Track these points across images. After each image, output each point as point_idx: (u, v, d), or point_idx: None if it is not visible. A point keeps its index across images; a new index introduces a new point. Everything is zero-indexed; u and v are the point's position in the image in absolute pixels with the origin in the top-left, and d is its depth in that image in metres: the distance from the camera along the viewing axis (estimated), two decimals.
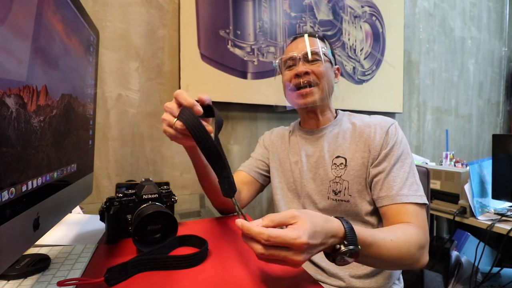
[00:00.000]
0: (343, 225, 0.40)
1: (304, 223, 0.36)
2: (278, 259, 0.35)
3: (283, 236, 0.34)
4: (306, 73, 0.73)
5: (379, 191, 0.64)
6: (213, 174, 0.64)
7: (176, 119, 0.47)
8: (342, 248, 0.38)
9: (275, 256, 0.35)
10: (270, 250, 0.35)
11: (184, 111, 0.46)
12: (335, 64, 0.81)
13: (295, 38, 0.80)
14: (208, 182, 0.67)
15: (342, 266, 0.66)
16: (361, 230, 0.42)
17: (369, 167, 0.67)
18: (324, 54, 0.74)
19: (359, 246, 0.39)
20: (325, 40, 0.80)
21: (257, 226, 0.36)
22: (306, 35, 0.78)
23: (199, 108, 0.47)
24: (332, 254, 0.40)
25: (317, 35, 0.79)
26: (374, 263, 0.50)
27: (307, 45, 0.75)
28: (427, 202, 0.61)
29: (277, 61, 0.82)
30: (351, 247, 0.38)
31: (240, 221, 0.37)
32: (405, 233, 0.53)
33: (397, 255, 0.48)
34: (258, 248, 0.35)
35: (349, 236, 0.39)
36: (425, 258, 0.54)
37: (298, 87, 0.74)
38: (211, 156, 0.45)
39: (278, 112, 1.28)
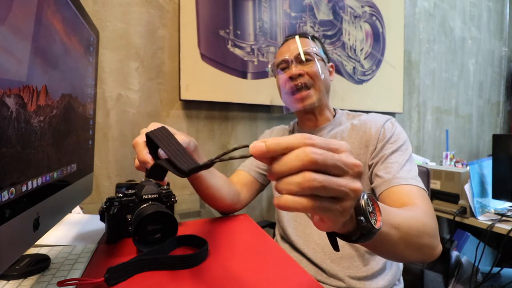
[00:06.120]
0: None
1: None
2: (339, 189, 0.24)
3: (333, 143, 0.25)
4: (300, 75, 0.73)
5: (376, 179, 0.61)
6: (206, 181, 0.63)
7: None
8: (362, 200, 0.28)
9: (335, 185, 0.23)
10: (328, 176, 0.23)
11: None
12: (329, 62, 0.81)
13: (285, 41, 0.80)
14: (204, 190, 0.65)
15: (343, 267, 0.67)
16: None
17: (368, 162, 0.67)
18: (316, 54, 0.74)
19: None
20: (316, 40, 0.80)
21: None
22: (296, 36, 0.78)
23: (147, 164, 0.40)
24: (356, 223, 0.29)
25: (307, 35, 0.79)
26: (395, 240, 0.37)
27: (298, 46, 0.75)
28: (426, 190, 0.57)
29: (269, 66, 0.82)
30: (365, 195, 0.28)
31: (259, 142, 0.24)
32: (413, 209, 0.47)
33: (415, 226, 0.41)
34: (306, 157, 0.23)
35: None
36: (440, 245, 0.47)
37: (294, 91, 0.74)
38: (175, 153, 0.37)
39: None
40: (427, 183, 0.84)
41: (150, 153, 0.41)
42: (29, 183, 0.32)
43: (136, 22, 1.03)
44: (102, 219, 0.56)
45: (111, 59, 1.00)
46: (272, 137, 0.26)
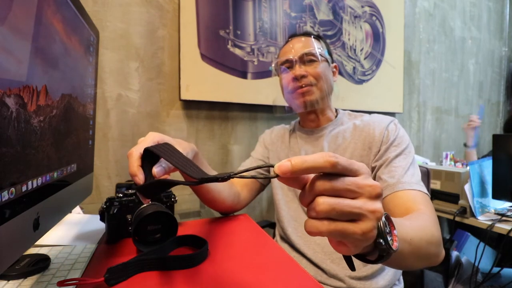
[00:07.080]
0: None
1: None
2: (352, 211, 0.24)
3: (354, 164, 0.26)
4: (304, 76, 0.72)
5: (380, 182, 0.59)
6: (207, 184, 0.63)
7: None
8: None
9: (347, 206, 0.24)
10: (339, 199, 0.25)
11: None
12: (333, 62, 0.80)
13: (289, 39, 0.80)
14: (205, 193, 0.65)
15: (342, 267, 0.67)
16: None
17: (371, 164, 0.66)
18: (321, 54, 0.74)
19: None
20: (320, 39, 0.79)
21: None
22: (301, 36, 0.77)
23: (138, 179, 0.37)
24: (377, 242, 0.28)
25: (312, 34, 0.78)
26: (406, 253, 0.37)
27: (302, 46, 0.75)
28: (429, 195, 0.58)
29: (273, 65, 0.82)
30: (383, 217, 0.27)
31: (285, 161, 0.25)
32: (420, 216, 0.47)
33: (425, 237, 0.41)
34: (323, 185, 0.25)
35: None
36: (444, 251, 0.48)
37: (297, 90, 0.74)
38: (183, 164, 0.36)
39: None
40: (427, 183, 0.84)
41: (143, 166, 0.39)
42: (29, 183, 0.32)
43: (136, 22, 1.03)
44: (102, 219, 0.56)
45: (111, 59, 0.99)
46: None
